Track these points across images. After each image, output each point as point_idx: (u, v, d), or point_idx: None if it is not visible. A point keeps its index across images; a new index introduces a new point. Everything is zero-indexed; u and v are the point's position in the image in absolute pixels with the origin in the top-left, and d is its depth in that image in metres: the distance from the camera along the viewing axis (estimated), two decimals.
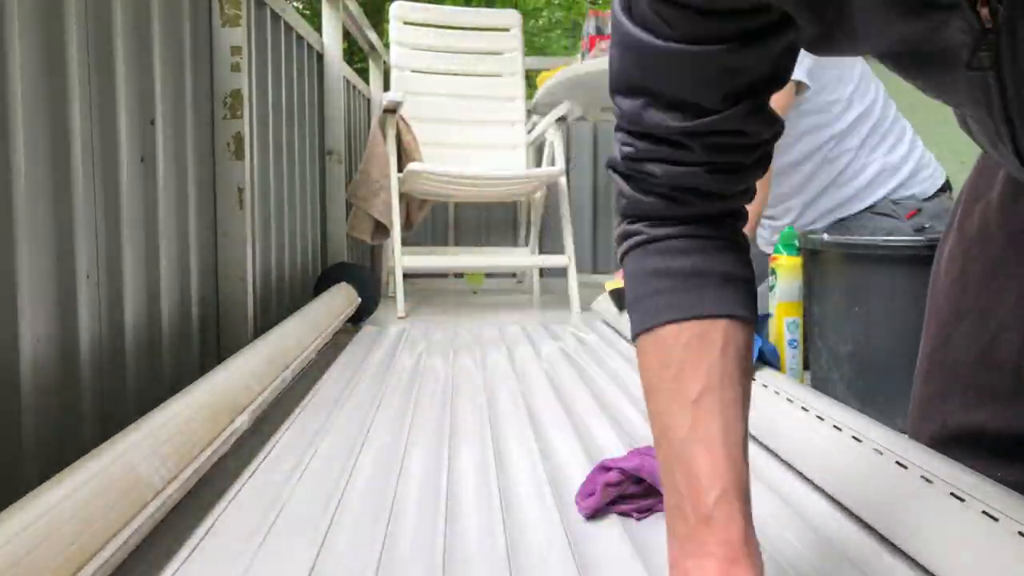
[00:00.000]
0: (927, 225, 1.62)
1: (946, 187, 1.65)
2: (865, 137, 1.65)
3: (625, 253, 0.60)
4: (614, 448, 0.99)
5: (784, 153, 1.65)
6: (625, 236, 0.60)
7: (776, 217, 1.76)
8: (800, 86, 1.53)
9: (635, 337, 0.57)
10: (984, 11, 0.39)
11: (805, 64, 1.52)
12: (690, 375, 0.53)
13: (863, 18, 0.44)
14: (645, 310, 0.56)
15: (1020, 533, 0.56)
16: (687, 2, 0.49)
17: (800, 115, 1.59)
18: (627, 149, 0.57)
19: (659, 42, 0.51)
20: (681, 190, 0.56)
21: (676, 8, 0.50)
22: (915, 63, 0.49)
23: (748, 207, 0.61)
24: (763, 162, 0.58)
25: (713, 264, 0.56)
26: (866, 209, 1.65)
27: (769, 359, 1.17)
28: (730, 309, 0.55)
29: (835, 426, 0.85)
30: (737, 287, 0.56)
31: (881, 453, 0.75)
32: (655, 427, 0.55)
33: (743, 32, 0.50)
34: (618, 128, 0.58)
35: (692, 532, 0.51)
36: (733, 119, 0.53)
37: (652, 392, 0.56)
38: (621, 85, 0.56)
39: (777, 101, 0.61)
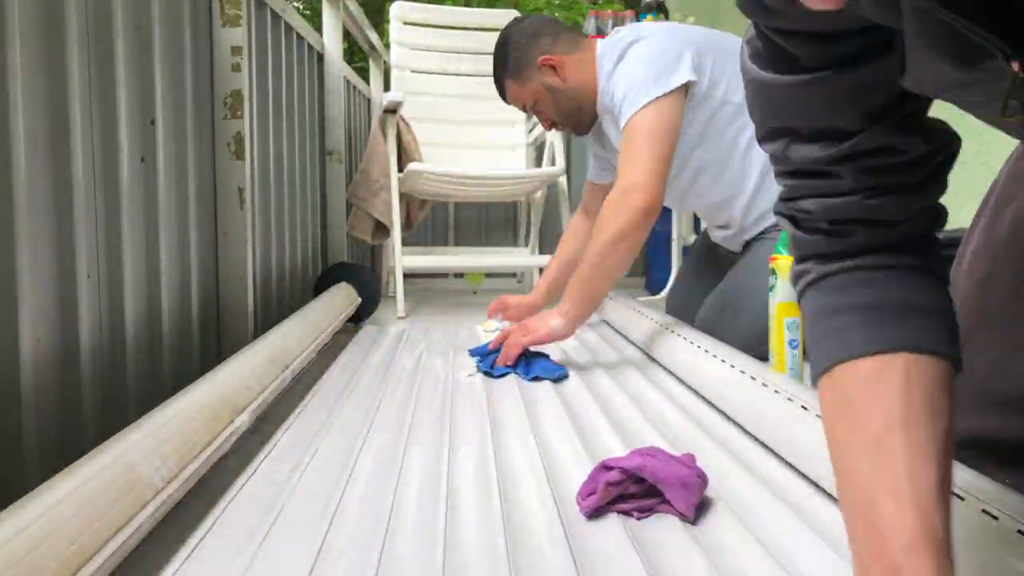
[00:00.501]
0: None
1: None
2: None
3: (800, 295, 0.58)
4: (614, 448, 0.99)
5: (692, 160, 1.62)
6: (797, 277, 0.58)
7: (726, 226, 1.72)
8: (687, 85, 1.50)
9: (815, 382, 0.54)
10: (1015, 65, 0.37)
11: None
12: (868, 416, 0.48)
13: (914, 57, 0.43)
14: (819, 353, 0.54)
15: (1020, 532, 0.56)
16: (803, 29, 0.49)
17: (696, 115, 1.55)
18: (783, 191, 0.57)
19: (787, 77, 0.51)
20: (839, 223, 0.54)
21: (794, 37, 0.50)
22: (963, 106, 0.49)
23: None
24: (935, 178, 0.54)
25: (890, 295, 0.52)
26: None
27: None
28: (911, 342, 0.49)
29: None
30: (923, 317, 0.51)
31: None
32: (836, 476, 0.51)
33: (864, 49, 0.49)
34: (775, 174, 0.59)
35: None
36: (877, 137, 0.51)
37: (830, 437, 0.52)
38: (764, 132, 0.57)
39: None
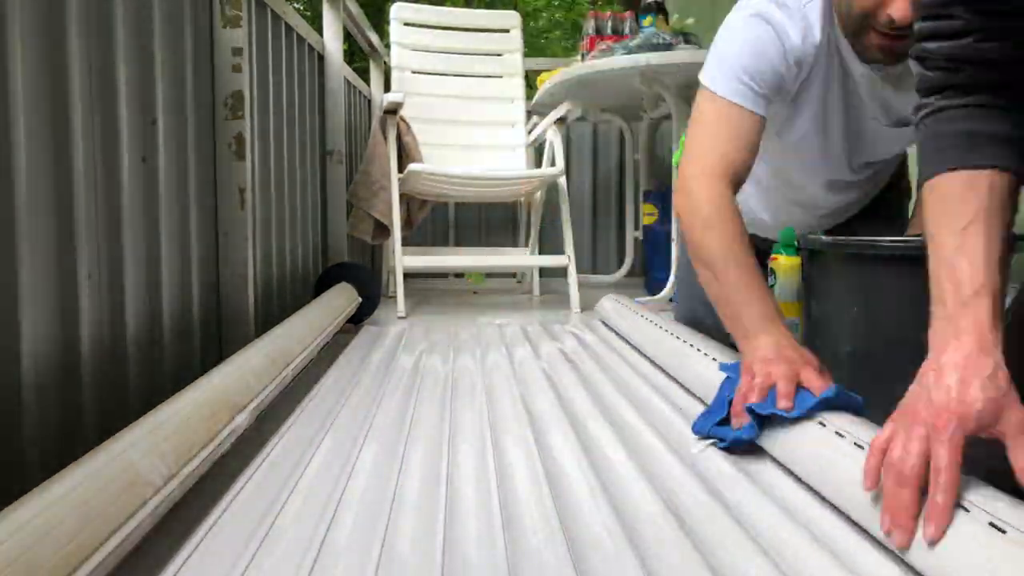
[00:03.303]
0: (907, 185, 1.59)
1: None
2: None
3: (918, 124, 0.75)
4: (613, 446, 0.99)
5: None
6: (918, 109, 0.75)
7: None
8: None
9: (919, 187, 0.74)
10: None
11: None
12: (959, 210, 0.67)
13: None
14: (926, 166, 0.72)
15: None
16: None
17: None
18: (916, 33, 0.73)
19: None
20: (957, 61, 0.69)
21: None
22: None
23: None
24: None
25: (986, 126, 0.69)
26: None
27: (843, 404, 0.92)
28: (996, 160, 0.67)
29: (837, 432, 0.85)
30: (1005, 145, 0.68)
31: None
32: (930, 250, 0.70)
33: None
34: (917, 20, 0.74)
35: (950, 315, 0.65)
36: None
37: (929, 223, 0.70)
38: None
39: None
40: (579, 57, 2.82)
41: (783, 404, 0.91)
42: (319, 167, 2.35)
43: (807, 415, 0.88)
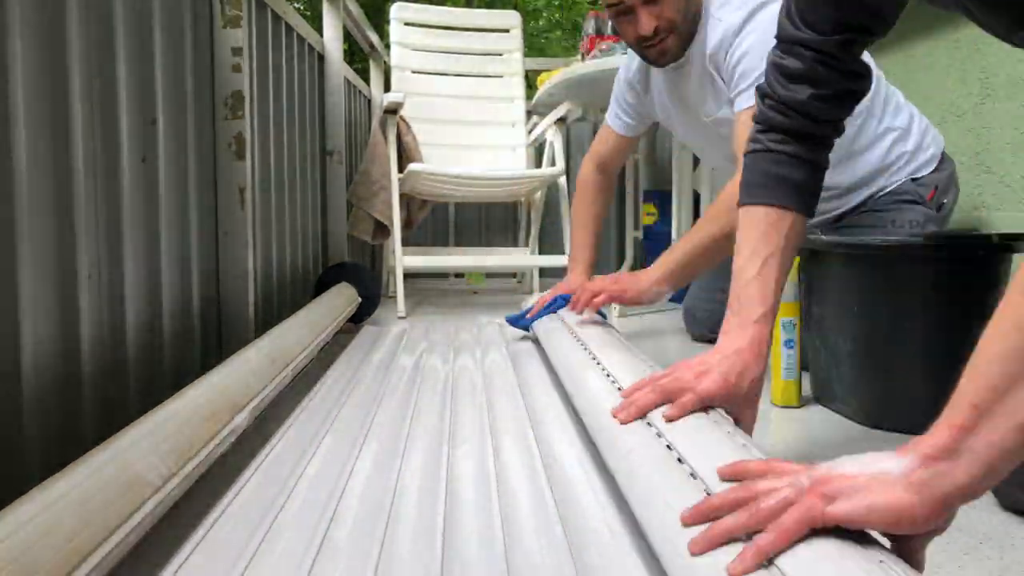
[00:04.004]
0: (944, 202, 1.57)
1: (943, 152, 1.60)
2: (871, 96, 1.50)
3: (748, 153, 0.91)
4: None
5: None
6: (751, 140, 0.91)
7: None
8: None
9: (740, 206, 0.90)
10: None
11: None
12: (767, 241, 0.85)
13: None
14: (747, 191, 0.89)
15: None
16: None
17: None
18: (769, 62, 0.90)
19: None
20: (790, 108, 0.87)
21: None
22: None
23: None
24: (852, 99, 0.89)
25: (795, 173, 0.87)
26: (889, 193, 1.55)
27: None
28: (795, 204, 0.86)
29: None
30: (803, 192, 0.88)
31: None
32: (736, 265, 0.88)
33: None
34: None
35: (742, 325, 0.85)
36: (838, 45, 0.83)
37: (741, 244, 0.87)
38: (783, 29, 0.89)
39: None
40: (579, 57, 2.82)
41: (537, 307, 1.58)
42: (319, 167, 2.35)
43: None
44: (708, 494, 0.58)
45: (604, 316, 1.45)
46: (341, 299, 1.89)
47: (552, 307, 1.52)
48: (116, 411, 1.03)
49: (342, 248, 2.49)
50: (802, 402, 1.30)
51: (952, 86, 1.93)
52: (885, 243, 1.19)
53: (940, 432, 0.51)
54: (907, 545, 0.52)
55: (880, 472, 0.50)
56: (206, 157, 1.42)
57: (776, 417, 1.25)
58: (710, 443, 0.69)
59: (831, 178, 1.51)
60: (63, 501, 0.58)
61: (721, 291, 1.16)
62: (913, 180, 1.54)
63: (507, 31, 3.05)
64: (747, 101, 1.33)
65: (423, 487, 0.87)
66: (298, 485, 0.87)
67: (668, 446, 0.70)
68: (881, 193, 1.55)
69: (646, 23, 1.40)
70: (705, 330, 1.91)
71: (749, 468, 0.58)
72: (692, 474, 0.63)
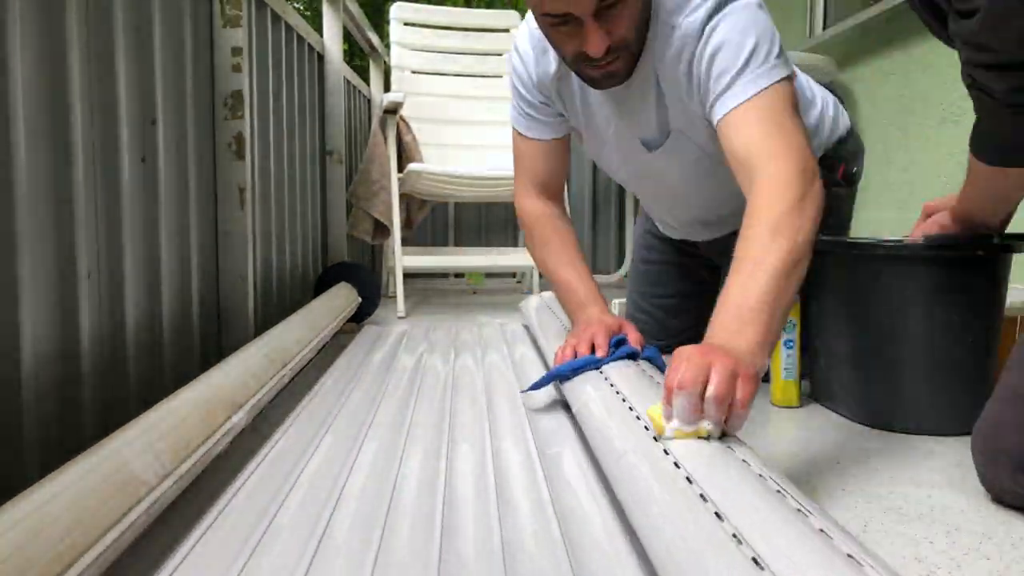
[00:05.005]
0: (855, 170, 1.50)
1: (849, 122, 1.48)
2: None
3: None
4: None
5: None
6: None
7: (730, 214, 1.43)
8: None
9: None
10: None
11: None
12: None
13: None
14: None
15: None
16: None
17: None
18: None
19: None
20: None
21: None
22: None
23: None
24: None
25: None
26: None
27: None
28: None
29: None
30: None
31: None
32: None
33: None
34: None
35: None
36: None
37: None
38: None
39: None
40: None
41: (599, 352, 1.10)
42: (319, 167, 2.36)
43: (616, 358, 1.08)
44: (703, 497, 0.58)
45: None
46: (341, 299, 1.89)
47: (584, 366, 1.09)
48: (116, 411, 1.03)
49: (342, 248, 2.49)
50: (802, 402, 1.30)
51: (952, 86, 1.93)
52: (885, 243, 1.19)
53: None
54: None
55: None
56: (206, 157, 1.42)
57: (775, 417, 1.25)
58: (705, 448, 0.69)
59: (728, 188, 1.32)
60: (57, 500, 0.58)
61: None
62: (823, 156, 1.42)
63: (507, 31, 3.05)
64: (735, 99, 1.07)
65: (422, 487, 0.87)
66: (297, 485, 0.87)
67: (665, 451, 0.70)
68: None
69: (596, 42, 1.07)
70: None
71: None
72: (688, 478, 0.63)
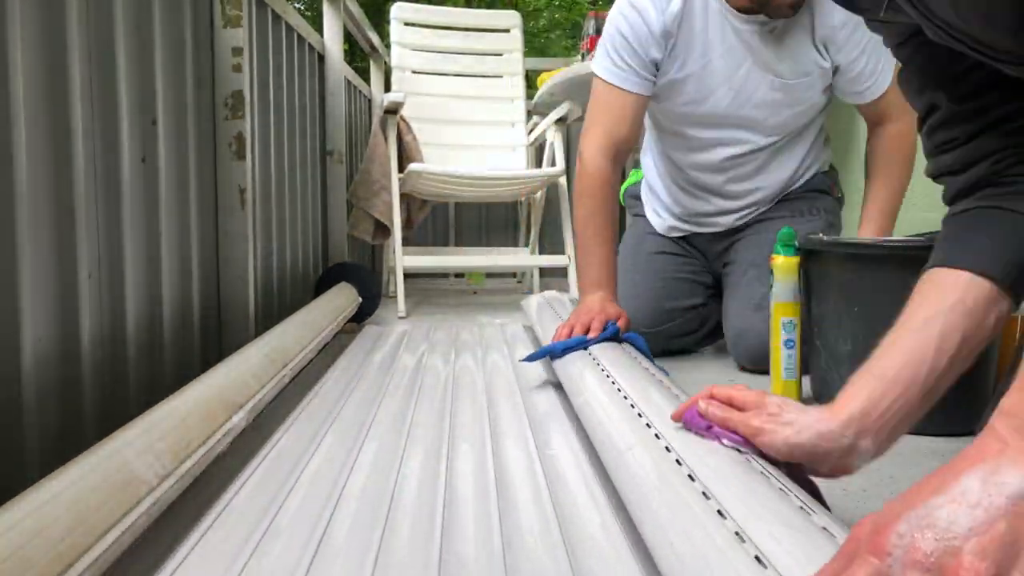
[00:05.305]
0: (840, 195, 1.74)
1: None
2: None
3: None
4: None
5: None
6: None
7: (754, 205, 1.68)
8: None
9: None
10: None
11: None
12: (928, 303, 0.71)
13: None
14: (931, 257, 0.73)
15: None
16: None
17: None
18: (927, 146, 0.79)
19: None
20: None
21: None
22: None
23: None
24: None
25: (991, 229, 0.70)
26: (802, 185, 1.67)
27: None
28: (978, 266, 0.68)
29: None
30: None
31: None
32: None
33: None
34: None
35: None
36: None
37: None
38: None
39: None
40: (579, 57, 2.82)
41: (592, 334, 1.22)
42: (319, 167, 2.35)
43: (606, 339, 1.20)
44: (706, 494, 0.58)
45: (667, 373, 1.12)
46: (341, 299, 1.89)
47: (573, 346, 1.22)
48: (116, 411, 1.03)
49: (342, 248, 2.49)
50: (802, 402, 1.30)
51: None
52: (885, 243, 1.19)
53: (1017, 398, 0.43)
54: None
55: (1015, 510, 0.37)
56: (206, 157, 1.42)
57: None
58: (710, 449, 0.69)
59: (776, 175, 1.66)
60: (56, 500, 0.58)
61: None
62: (824, 173, 1.71)
63: (507, 31, 3.05)
64: (886, 81, 1.46)
65: (422, 487, 0.87)
66: (297, 485, 0.87)
67: (667, 448, 0.70)
68: (795, 185, 1.68)
69: None
70: (760, 358, 1.41)
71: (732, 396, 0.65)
72: (690, 475, 0.63)
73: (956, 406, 1.13)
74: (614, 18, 1.49)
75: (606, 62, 1.48)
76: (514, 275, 3.50)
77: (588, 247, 1.41)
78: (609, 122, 1.45)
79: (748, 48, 1.47)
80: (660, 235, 1.80)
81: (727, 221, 1.72)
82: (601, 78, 1.49)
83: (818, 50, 1.46)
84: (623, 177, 1.72)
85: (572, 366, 1.17)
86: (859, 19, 1.09)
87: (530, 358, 1.32)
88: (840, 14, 1.37)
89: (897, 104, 1.44)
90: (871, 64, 1.46)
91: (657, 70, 1.49)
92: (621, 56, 1.46)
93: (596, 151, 1.43)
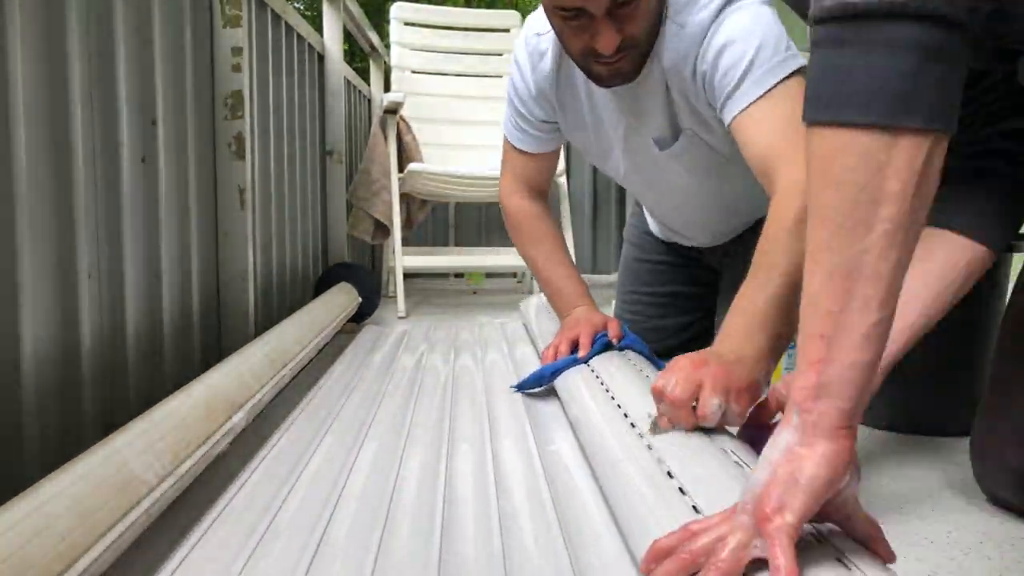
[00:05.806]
0: None
1: None
2: None
3: None
4: None
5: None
6: None
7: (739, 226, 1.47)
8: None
9: None
10: None
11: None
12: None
13: None
14: None
15: None
16: None
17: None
18: None
19: None
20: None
21: None
22: None
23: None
24: None
25: None
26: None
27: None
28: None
29: None
30: None
31: None
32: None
33: None
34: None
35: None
36: None
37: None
38: None
39: None
40: None
41: (581, 352, 1.16)
42: (319, 167, 2.36)
43: (598, 352, 1.15)
44: (696, 509, 0.59)
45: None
46: (341, 299, 1.89)
47: (564, 367, 1.17)
48: (116, 411, 1.03)
49: (342, 248, 2.49)
50: None
51: None
52: None
53: (805, 374, 0.52)
54: (845, 510, 0.52)
55: (787, 458, 0.51)
56: (206, 157, 1.42)
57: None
58: (701, 456, 0.69)
59: (741, 200, 1.39)
60: (57, 500, 0.58)
61: None
62: None
63: (507, 31, 3.05)
64: (745, 98, 1.04)
65: (422, 487, 0.87)
66: (297, 485, 0.87)
67: (649, 446, 0.70)
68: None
69: (608, 39, 1.05)
70: None
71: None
72: (681, 489, 0.63)
73: (954, 407, 1.14)
74: (509, 78, 1.40)
75: (506, 119, 1.43)
76: (514, 275, 3.50)
77: (548, 276, 1.38)
78: (517, 172, 1.44)
79: (620, 111, 1.27)
80: (657, 238, 1.73)
81: (715, 238, 1.54)
82: (504, 131, 1.45)
83: (679, 104, 1.19)
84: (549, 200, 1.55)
85: (569, 379, 1.11)
86: (708, 24, 1.09)
87: (520, 387, 1.26)
88: (682, 44, 1.12)
89: (778, 141, 1.00)
90: (731, 76, 1.07)
91: (554, 122, 1.38)
92: (513, 117, 1.40)
93: (511, 193, 1.44)
